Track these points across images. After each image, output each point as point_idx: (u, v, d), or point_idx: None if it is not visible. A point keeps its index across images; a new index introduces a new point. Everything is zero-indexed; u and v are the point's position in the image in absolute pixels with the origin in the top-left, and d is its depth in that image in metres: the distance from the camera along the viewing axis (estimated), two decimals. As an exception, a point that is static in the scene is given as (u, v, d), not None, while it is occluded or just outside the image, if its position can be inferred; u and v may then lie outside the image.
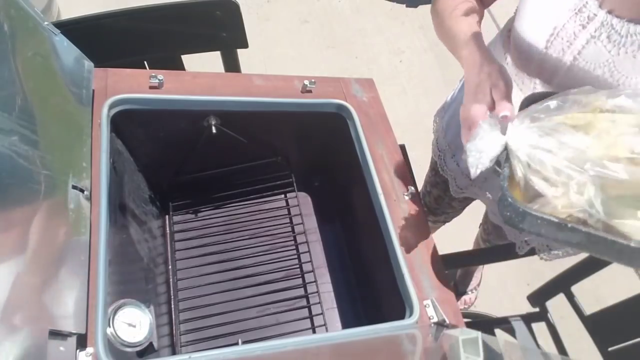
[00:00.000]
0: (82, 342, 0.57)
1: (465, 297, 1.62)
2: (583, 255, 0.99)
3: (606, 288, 1.52)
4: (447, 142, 0.96)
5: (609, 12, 0.64)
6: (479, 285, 1.64)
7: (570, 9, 0.66)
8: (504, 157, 0.58)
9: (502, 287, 1.65)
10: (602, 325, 0.99)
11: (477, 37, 0.70)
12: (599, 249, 0.50)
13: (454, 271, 1.62)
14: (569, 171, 0.52)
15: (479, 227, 1.27)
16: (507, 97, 0.61)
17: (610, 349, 0.97)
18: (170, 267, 0.90)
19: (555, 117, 0.57)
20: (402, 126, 1.77)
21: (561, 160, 0.53)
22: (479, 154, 0.58)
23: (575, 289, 1.05)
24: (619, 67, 0.65)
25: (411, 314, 0.67)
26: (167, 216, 0.96)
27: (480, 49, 0.68)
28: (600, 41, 0.65)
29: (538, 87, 0.74)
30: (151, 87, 0.78)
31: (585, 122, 0.56)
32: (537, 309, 1.16)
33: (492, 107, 0.61)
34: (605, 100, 0.57)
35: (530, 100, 0.61)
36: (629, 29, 0.63)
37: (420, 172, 1.13)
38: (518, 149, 0.56)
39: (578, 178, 0.51)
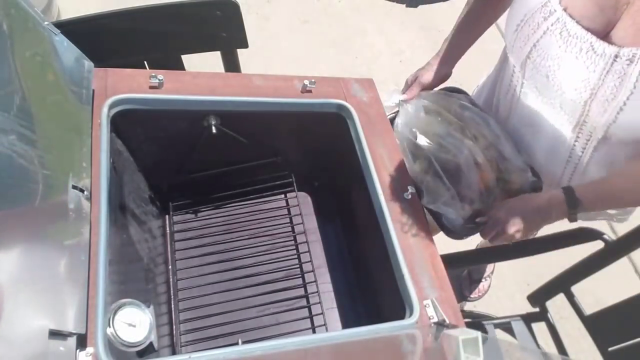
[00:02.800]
0: (82, 342, 0.57)
1: (479, 285, 1.62)
2: (583, 255, 0.99)
3: (606, 288, 1.51)
4: None
5: (565, 9, 0.69)
6: (492, 272, 1.64)
7: (540, 1, 0.72)
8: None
9: (502, 287, 1.65)
10: (602, 325, 0.99)
11: (451, 40, 0.94)
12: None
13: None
14: (422, 142, 0.82)
15: None
16: (416, 86, 0.93)
17: (610, 349, 0.97)
18: (170, 267, 0.90)
19: (435, 104, 0.88)
20: (402, 126, 1.77)
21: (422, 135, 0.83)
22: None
23: (575, 289, 1.05)
24: (564, 64, 0.71)
25: (411, 314, 0.67)
26: (167, 216, 0.96)
27: (443, 49, 0.94)
28: (553, 35, 0.71)
29: (516, 69, 0.80)
30: (151, 87, 0.78)
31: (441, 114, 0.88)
32: (537, 309, 1.16)
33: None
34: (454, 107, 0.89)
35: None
36: (577, 31, 0.69)
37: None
38: (406, 113, 0.87)
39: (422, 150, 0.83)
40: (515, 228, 0.77)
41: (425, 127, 0.85)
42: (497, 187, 0.87)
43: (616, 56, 0.65)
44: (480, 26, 0.94)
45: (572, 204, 0.74)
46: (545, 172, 0.88)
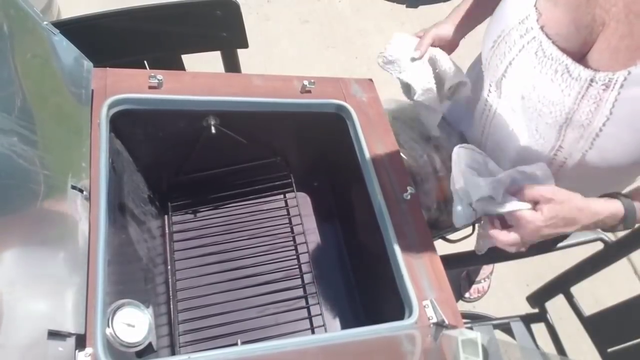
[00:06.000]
0: (81, 342, 0.57)
1: (478, 286, 1.62)
2: (582, 256, 0.99)
3: (605, 289, 1.52)
4: None
5: (542, 27, 0.67)
6: (491, 273, 1.64)
7: (517, 18, 0.69)
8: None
9: (501, 288, 1.64)
10: (602, 326, 0.99)
11: (458, 10, 0.88)
12: None
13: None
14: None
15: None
16: (429, 38, 0.84)
17: (609, 350, 0.97)
18: (169, 267, 0.90)
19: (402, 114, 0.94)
20: (401, 126, 1.77)
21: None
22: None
23: (574, 289, 1.05)
24: (538, 85, 0.68)
25: (410, 314, 0.67)
26: (166, 216, 0.96)
27: (452, 16, 0.88)
28: (529, 54, 0.68)
29: (492, 89, 0.77)
30: (150, 87, 0.78)
31: None
32: (536, 310, 1.16)
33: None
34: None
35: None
36: (552, 52, 0.66)
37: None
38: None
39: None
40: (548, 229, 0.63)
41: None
42: None
43: (592, 80, 0.62)
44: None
45: (629, 224, 0.67)
46: None
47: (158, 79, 0.77)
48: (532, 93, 0.69)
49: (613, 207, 0.65)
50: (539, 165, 0.65)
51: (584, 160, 0.68)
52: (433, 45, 0.86)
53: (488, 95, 0.79)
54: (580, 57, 0.65)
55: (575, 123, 0.66)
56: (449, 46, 0.88)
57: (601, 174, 0.73)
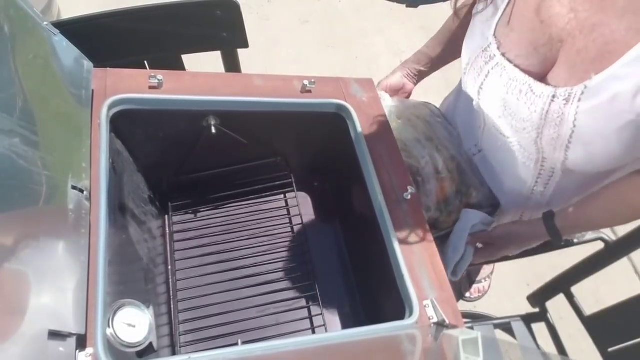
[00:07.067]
0: (81, 342, 0.57)
1: (478, 286, 1.63)
2: (583, 256, 0.99)
3: (606, 288, 1.52)
4: None
5: (504, 54, 0.71)
6: (492, 273, 1.64)
7: (480, 47, 0.75)
8: None
9: (502, 288, 1.65)
10: (602, 326, 0.99)
11: (424, 50, 1.01)
12: None
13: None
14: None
15: None
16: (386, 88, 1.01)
17: (610, 349, 0.97)
18: (169, 267, 0.90)
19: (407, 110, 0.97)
20: (402, 126, 1.76)
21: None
22: None
23: (575, 289, 1.05)
24: (508, 105, 0.73)
25: (411, 314, 0.67)
26: (166, 216, 0.96)
27: (416, 55, 1.02)
28: (494, 78, 0.73)
29: (477, 107, 0.82)
30: (151, 87, 0.78)
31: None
32: (537, 310, 1.16)
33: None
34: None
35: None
36: (516, 75, 0.70)
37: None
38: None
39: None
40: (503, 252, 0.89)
41: (394, 130, 0.88)
42: (456, 199, 0.90)
43: (553, 96, 0.66)
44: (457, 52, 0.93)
45: (554, 237, 0.79)
46: (510, 203, 0.90)
47: (158, 79, 0.77)
48: (505, 112, 0.74)
49: (538, 232, 0.80)
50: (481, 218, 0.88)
51: (567, 169, 0.72)
52: (386, 92, 1.00)
53: (478, 112, 0.83)
54: (543, 76, 0.69)
55: (546, 137, 0.70)
56: (402, 91, 1.03)
57: (589, 178, 0.78)
